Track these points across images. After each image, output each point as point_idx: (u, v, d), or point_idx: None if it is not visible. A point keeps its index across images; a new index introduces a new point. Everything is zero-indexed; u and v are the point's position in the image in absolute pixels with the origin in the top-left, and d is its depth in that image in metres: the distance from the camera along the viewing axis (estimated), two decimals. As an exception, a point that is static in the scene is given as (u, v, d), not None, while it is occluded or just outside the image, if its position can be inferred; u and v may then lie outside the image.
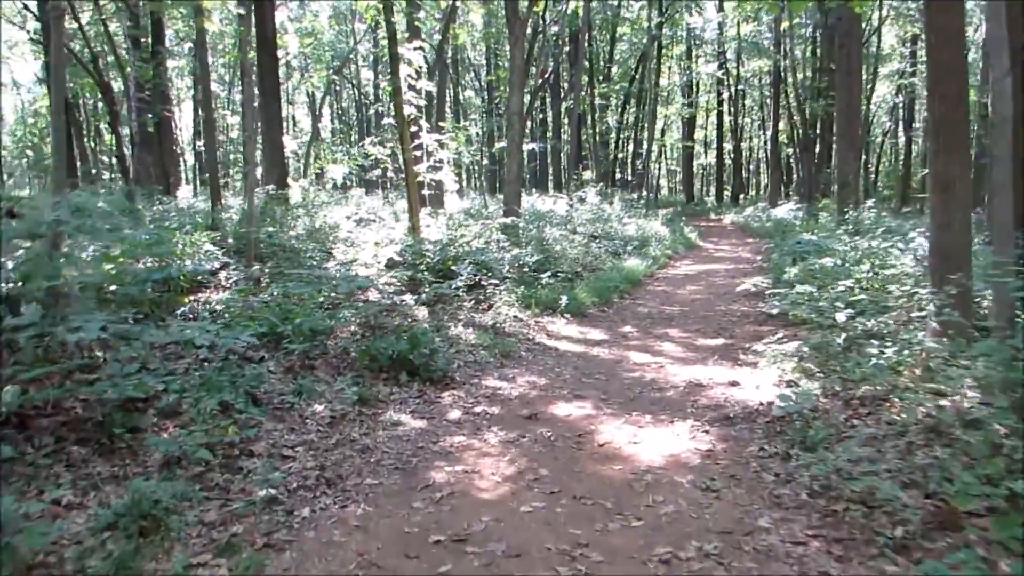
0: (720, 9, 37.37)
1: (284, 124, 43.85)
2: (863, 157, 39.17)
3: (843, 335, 6.65)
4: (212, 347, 6.22)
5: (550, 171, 40.17)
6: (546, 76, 23.35)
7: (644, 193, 32.07)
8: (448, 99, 42.37)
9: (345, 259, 11.72)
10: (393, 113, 16.42)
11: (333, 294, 7.93)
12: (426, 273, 11.46)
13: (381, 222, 18.03)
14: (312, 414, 5.80)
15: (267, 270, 10.51)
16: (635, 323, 10.80)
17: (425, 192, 22.35)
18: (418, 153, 16.32)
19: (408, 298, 10.18)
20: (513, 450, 5.37)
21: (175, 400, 5.38)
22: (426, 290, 10.28)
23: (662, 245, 20.41)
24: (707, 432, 5.69)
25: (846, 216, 15.56)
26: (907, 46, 36.52)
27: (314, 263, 11.15)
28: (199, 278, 9.55)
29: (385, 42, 16.50)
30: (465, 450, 5.39)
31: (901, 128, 42.13)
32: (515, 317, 10.18)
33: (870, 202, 15.56)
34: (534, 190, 25.92)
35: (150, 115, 21.30)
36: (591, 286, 12.86)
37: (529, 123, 50.15)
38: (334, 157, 33.08)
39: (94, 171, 29.31)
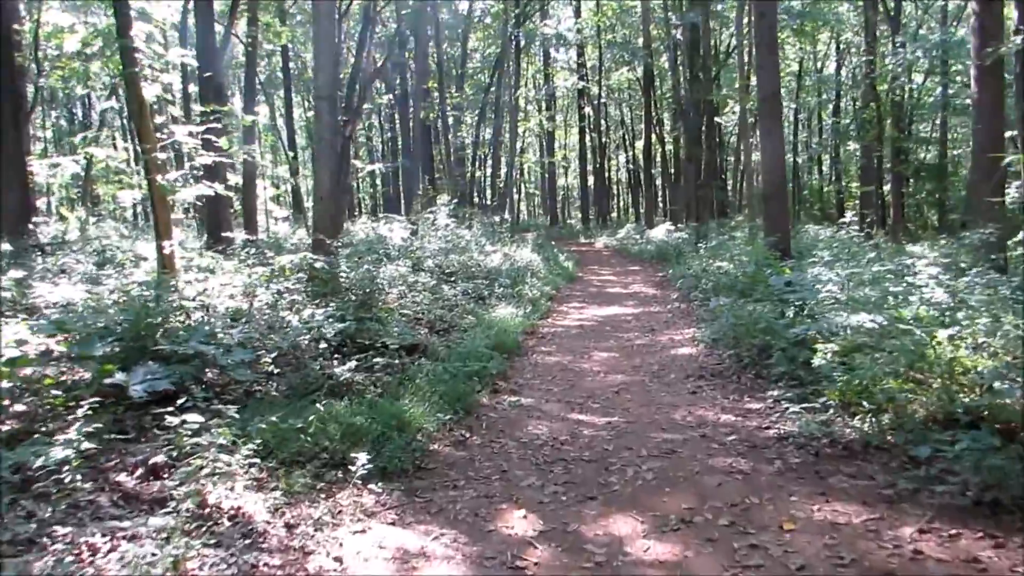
0: (577, 14, 32.07)
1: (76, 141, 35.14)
2: (729, 178, 34.78)
3: None
4: None
5: (402, 196, 33.52)
6: (379, 67, 17.16)
7: (507, 216, 26.07)
8: (277, 116, 35.16)
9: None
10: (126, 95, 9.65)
11: None
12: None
13: (139, 262, 10.99)
14: None
15: None
16: (533, 495, 4.43)
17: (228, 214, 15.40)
18: (163, 155, 9.48)
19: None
20: None
21: None
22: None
23: (539, 280, 14.30)
24: None
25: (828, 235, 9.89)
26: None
27: None
28: None
29: None
30: None
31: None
32: (230, 517, 3.67)
33: (850, 214, 9.97)
34: (383, 218, 19.24)
35: None
36: (436, 378, 6.45)
37: (379, 144, 43.43)
38: (126, 180, 25.30)
39: None
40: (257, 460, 4.22)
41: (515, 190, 43.27)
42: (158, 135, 8.90)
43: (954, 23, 26.27)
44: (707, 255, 15.50)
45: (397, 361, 6.69)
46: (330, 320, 7.10)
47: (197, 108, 10.66)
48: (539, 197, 52.16)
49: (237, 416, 4.40)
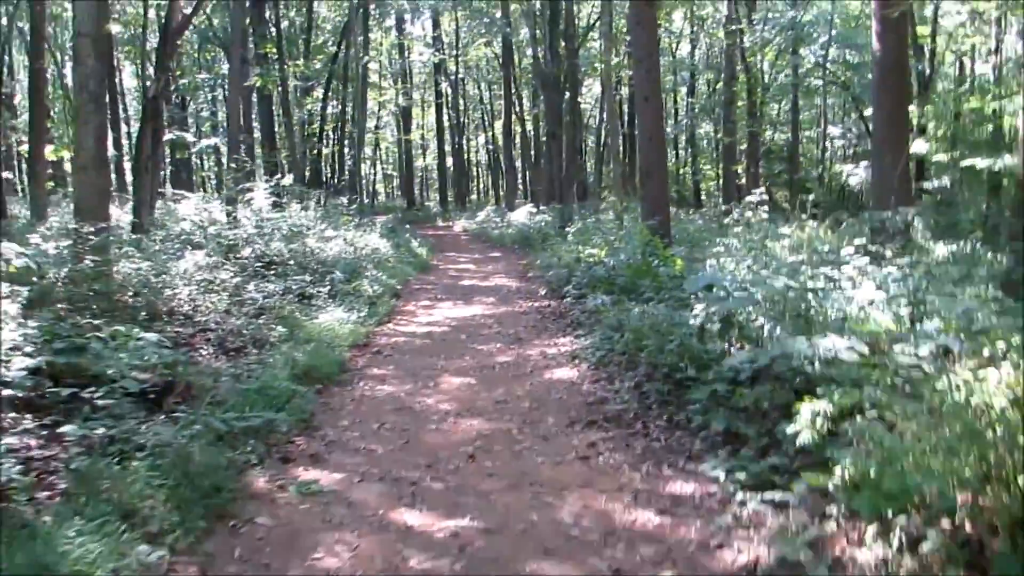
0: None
1: None
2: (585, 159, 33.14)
3: None
4: None
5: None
6: (190, 15, 13.78)
7: (356, 197, 23.04)
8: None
9: None
10: None
11: None
12: None
13: None
14: None
15: None
16: None
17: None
18: None
19: None
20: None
21: None
22: None
23: (384, 271, 11.72)
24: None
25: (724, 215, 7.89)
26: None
27: None
28: None
29: None
30: None
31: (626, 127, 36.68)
32: None
33: (758, 192, 7.98)
34: (179, 196, 15.00)
35: None
36: (180, 449, 3.81)
37: (223, 117, 38.74)
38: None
39: None
40: None
41: (371, 171, 39.99)
42: None
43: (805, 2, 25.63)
44: (575, 240, 13.42)
45: (99, 431, 3.89)
46: (18, 352, 4.31)
47: None
48: (397, 179, 49.01)
49: None
